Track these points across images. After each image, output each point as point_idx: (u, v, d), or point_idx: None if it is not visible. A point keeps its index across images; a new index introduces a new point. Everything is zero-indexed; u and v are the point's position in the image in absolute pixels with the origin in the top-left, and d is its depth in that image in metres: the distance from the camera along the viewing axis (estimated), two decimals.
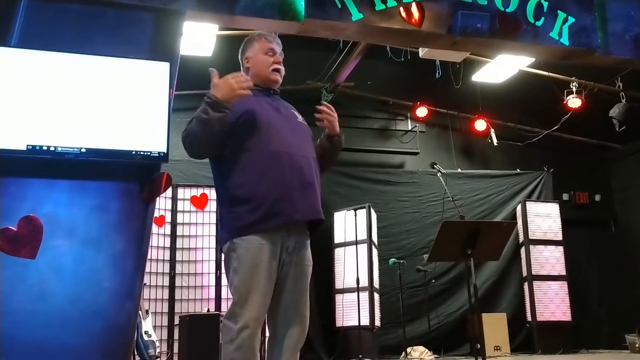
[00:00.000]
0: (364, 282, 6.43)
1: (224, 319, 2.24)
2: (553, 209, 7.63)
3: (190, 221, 6.33)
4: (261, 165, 2.29)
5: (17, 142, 2.99)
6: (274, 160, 2.30)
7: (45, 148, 3.03)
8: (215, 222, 6.39)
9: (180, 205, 6.32)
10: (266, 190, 2.26)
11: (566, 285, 7.35)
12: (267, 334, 2.41)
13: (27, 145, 3.01)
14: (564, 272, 7.38)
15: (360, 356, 5.84)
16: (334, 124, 2.53)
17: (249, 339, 2.18)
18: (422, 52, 5.65)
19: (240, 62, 2.63)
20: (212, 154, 2.39)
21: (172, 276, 6.11)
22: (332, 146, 2.56)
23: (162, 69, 3.31)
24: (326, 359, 6.55)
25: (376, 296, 6.69)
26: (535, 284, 7.25)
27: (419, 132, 8.20)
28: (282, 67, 2.55)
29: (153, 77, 3.29)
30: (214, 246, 6.30)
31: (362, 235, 6.67)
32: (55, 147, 3.04)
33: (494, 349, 6.61)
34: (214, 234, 6.34)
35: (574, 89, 7.14)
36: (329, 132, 2.55)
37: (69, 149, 3.07)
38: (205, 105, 2.26)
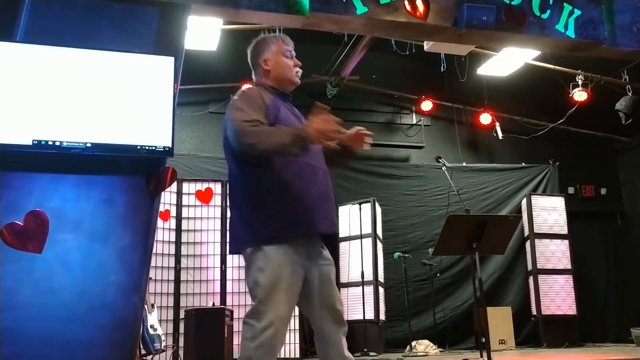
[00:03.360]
0: (369, 276, 6.44)
1: (246, 317, 2.23)
2: (559, 202, 7.61)
3: (195, 215, 6.34)
4: (290, 175, 2.29)
5: (23, 137, 3.00)
6: (301, 171, 2.31)
7: (51, 143, 3.04)
8: (220, 216, 6.40)
9: (185, 200, 6.34)
10: (292, 200, 2.27)
11: (572, 279, 7.34)
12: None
13: (33, 140, 3.01)
14: (569, 266, 7.37)
15: (365, 349, 5.85)
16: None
17: (272, 338, 2.18)
18: (427, 45, 5.63)
19: (253, 63, 2.57)
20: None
21: (178, 270, 6.12)
22: (346, 159, 2.60)
23: (166, 63, 3.31)
24: None
25: (381, 290, 6.69)
26: (541, 277, 7.24)
27: (424, 125, 8.18)
28: (301, 70, 2.54)
29: (158, 72, 3.29)
30: (219, 240, 6.32)
31: (367, 229, 6.67)
32: (61, 142, 3.05)
33: (499, 343, 6.61)
34: (219, 227, 6.35)
35: (580, 82, 7.09)
36: (356, 149, 2.56)
37: (74, 144, 3.08)
38: (295, 137, 2.19)
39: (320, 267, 2.36)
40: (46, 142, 3.03)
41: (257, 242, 2.26)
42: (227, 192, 2.49)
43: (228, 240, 2.47)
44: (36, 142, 3.02)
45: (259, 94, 2.37)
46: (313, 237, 2.37)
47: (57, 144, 3.05)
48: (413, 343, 6.20)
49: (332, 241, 6.79)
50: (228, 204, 2.54)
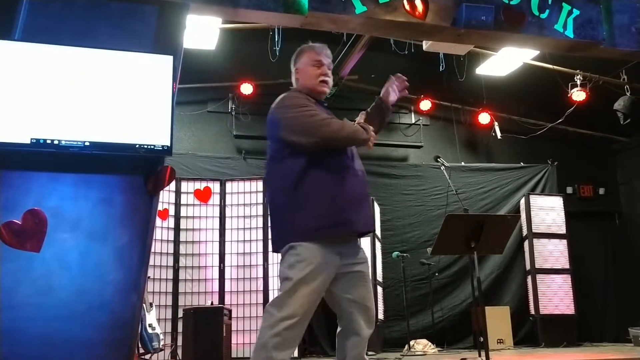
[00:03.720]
0: None
1: (268, 305, 2.32)
2: (557, 202, 7.62)
3: (194, 214, 6.34)
4: (331, 176, 2.41)
5: (21, 136, 3.00)
6: (342, 173, 2.44)
7: (49, 141, 3.04)
8: (218, 215, 6.41)
9: (184, 199, 6.34)
10: (333, 201, 2.37)
11: (570, 279, 7.35)
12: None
13: (32, 139, 3.01)
14: (567, 266, 7.38)
15: None
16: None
17: (290, 329, 2.24)
18: (426, 44, 5.63)
19: (291, 71, 2.71)
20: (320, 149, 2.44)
21: (176, 269, 6.13)
22: (384, 116, 2.78)
23: (165, 62, 3.31)
24: (330, 352, 6.57)
25: (379, 289, 6.69)
26: (539, 277, 7.25)
27: (423, 125, 8.18)
28: (329, 79, 2.63)
29: (156, 71, 3.29)
30: (218, 239, 6.32)
31: None
32: (59, 140, 3.05)
33: (497, 342, 6.61)
34: (218, 227, 6.36)
35: (579, 82, 7.10)
36: (392, 101, 2.80)
37: (73, 143, 3.07)
38: (361, 131, 2.47)
39: (354, 266, 2.46)
40: (45, 140, 3.03)
41: (294, 239, 2.35)
42: (267, 193, 2.62)
43: (271, 239, 2.55)
44: (35, 140, 3.01)
45: (307, 98, 2.53)
46: (351, 236, 2.47)
47: (56, 142, 3.05)
48: (411, 342, 6.21)
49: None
50: (268, 205, 2.64)
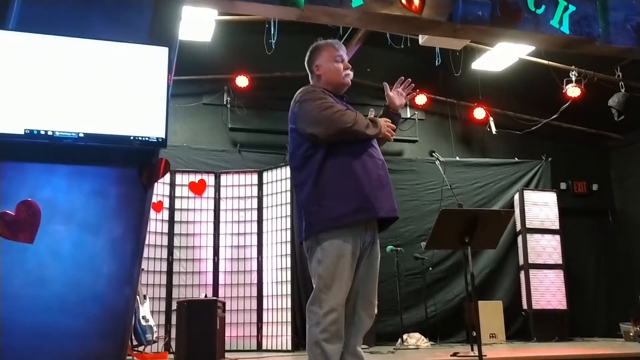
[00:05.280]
0: None
1: (309, 305, 2.46)
2: (551, 198, 7.65)
3: (188, 207, 6.33)
4: (352, 165, 2.50)
5: (15, 127, 2.98)
6: (364, 161, 2.52)
7: (43, 132, 3.01)
8: (213, 208, 6.40)
9: (178, 191, 6.33)
10: (356, 187, 2.47)
11: (562, 274, 7.38)
12: None
13: (25, 130, 2.99)
14: (560, 261, 7.42)
15: None
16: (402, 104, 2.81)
17: (334, 322, 2.38)
18: (422, 39, 5.63)
19: (309, 69, 2.80)
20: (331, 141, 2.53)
21: (170, 262, 6.13)
22: (394, 122, 2.77)
23: (160, 54, 3.29)
24: None
25: None
26: (532, 272, 7.28)
27: (418, 119, 8.18)
28: (351, 72, 2.74)
29: (152, 62, 3.26)
30: (212, 232, 6.32)
31: None
32: (53, 131, 3.03)
33: (490, 337, 6.65)
34: (212, 219, 6.36)
35: (574, 78, 7.12)
36: (400, 106, 2.83)
37: (67, 134, 3.05)
38: (373, 124, 2.58)
39: (369, 258, 2.55)
40: (38, 131, 3.01)
41: (318, 230, 2.46)
42: (293, 186, 2.72)
43: (298, 231, 2.66)
44: (28, 131, 2.99)
45: (326, 93, 2.61)
46: (370, 225, 2.54)
47: (50, 133, 3.03)
48: (404, 336, 6.23)
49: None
50: (295, 197, 2.78)
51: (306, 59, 2.81)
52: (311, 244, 2.50)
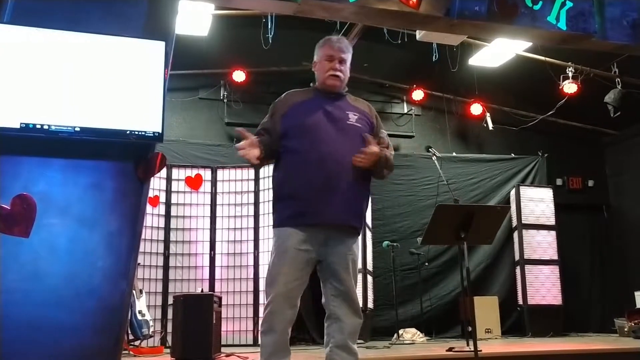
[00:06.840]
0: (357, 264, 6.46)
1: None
2: (546, 193, 7.67)
3: (184, 202, 6.33)
4: (295, 168, 2.50)
5: (11, 120, 2.97)
6: (307, 165, 2.48)
7: (39, 126, 3.01)
8: (209, 202, 6.40)
9: (174, 186, 6.32)
10: (295, 191, 2.49)
11: (557, 270, 7.42)
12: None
13: (21, 124, 2.98)
14: (555, 257, 7.44)
15: None
16: (370, 162, 2.58)
17: (270, 314, 2.48)
18: (419, 34, 5.63)
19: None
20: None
21: (167, 256, 6.12)
22: (375, 172, 2.72)
23: (157, 48, 3.27)
24: (319, 339, 6.61)
25: (369, 278, 6.73)
26: (527, 267, 7.31)
27: (415, 115, 8.19)
28: (339, 72, 2.67)
29: (148, 56, 3.25)
30: (209, 227, 6.32)
31: None
32: (49, 125, 3.02)
33: (485, 332, 6.68)
34: (209, 214, 6.35)
35: (570, 74, 7.12)
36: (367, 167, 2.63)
37: (63, 128, 3.05)
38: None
39: (339, 255, 2.53)
40: (34, 125, 3.00)
41: (274, 227, 2.61)
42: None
43: None
44: (24, 125, 2.98)
45: (286, 98, 2.69)
46: (331, 226, 2.50)
47: (45, 127, 3.02)
48: (400, 331, 6.26)
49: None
50: None
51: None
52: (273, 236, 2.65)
